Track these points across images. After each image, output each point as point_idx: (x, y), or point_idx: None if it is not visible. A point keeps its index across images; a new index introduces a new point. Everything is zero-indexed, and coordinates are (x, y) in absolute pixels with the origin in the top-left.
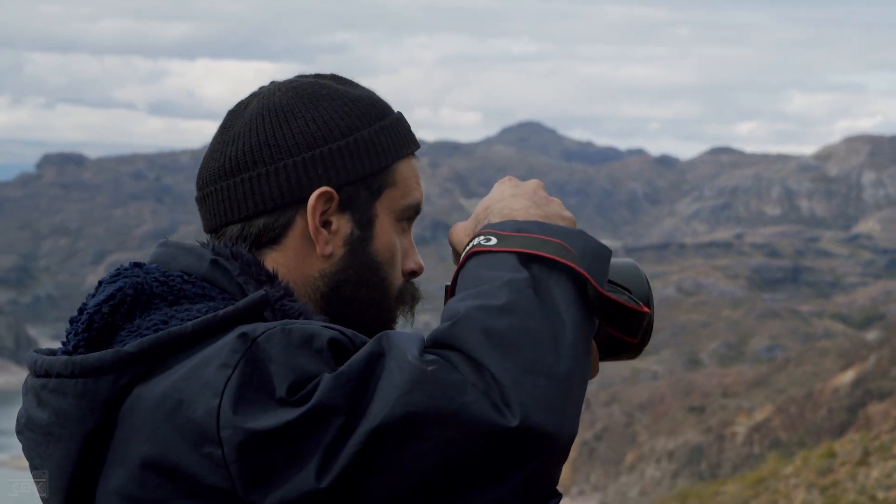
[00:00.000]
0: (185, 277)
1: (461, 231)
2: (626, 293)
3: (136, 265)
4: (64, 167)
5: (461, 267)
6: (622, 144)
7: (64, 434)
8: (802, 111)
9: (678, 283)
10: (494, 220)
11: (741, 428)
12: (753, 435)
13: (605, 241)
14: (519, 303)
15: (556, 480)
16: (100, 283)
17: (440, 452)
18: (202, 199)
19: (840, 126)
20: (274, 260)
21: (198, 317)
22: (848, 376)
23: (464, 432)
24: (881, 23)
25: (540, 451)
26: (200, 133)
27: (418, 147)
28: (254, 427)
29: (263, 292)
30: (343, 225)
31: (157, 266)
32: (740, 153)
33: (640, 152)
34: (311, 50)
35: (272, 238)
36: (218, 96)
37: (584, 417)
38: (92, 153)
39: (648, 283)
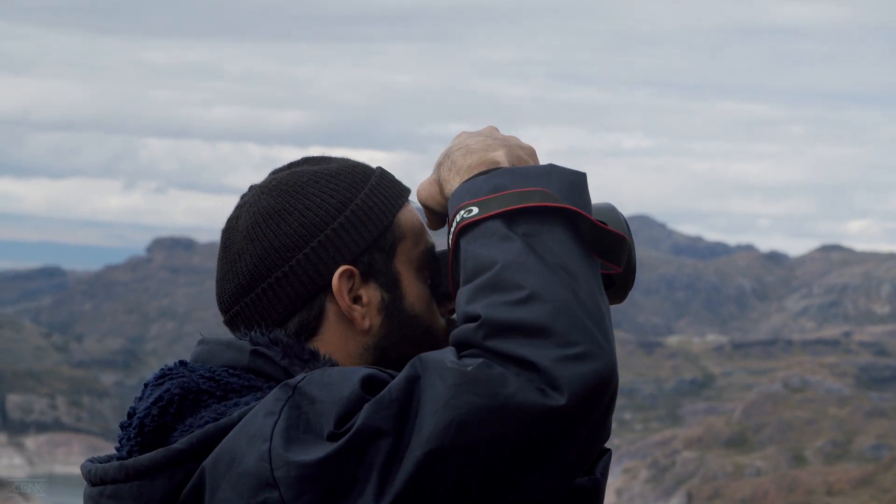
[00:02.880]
0: (231, 371)
1: (428, 186)
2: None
3: (182, 363)
4: (173, 251)
5: (454, 247)
6: (731, 240)
7: None
8: None
9: (785, 379)
10: (458, 159)
11: None
12: None
13: (712, 336)
14: (529, 282)
15: (609, 432)
16: (145, 385)
17: (497, 450)
18: (231, 321)
19: None
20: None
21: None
22: None
23: (514, 424)
24: None
25: (591, 413)
26: None
27: (409, 192)
28: (307, 459)
29: (305, 373)
30: (373, 294)
31: (202, 364)
32: (850, 251)
33: (749, 248)
34: (423, 139)
35: (311, 331)
36: None
37: None
38: (202, 238)
39: (625, 218)
